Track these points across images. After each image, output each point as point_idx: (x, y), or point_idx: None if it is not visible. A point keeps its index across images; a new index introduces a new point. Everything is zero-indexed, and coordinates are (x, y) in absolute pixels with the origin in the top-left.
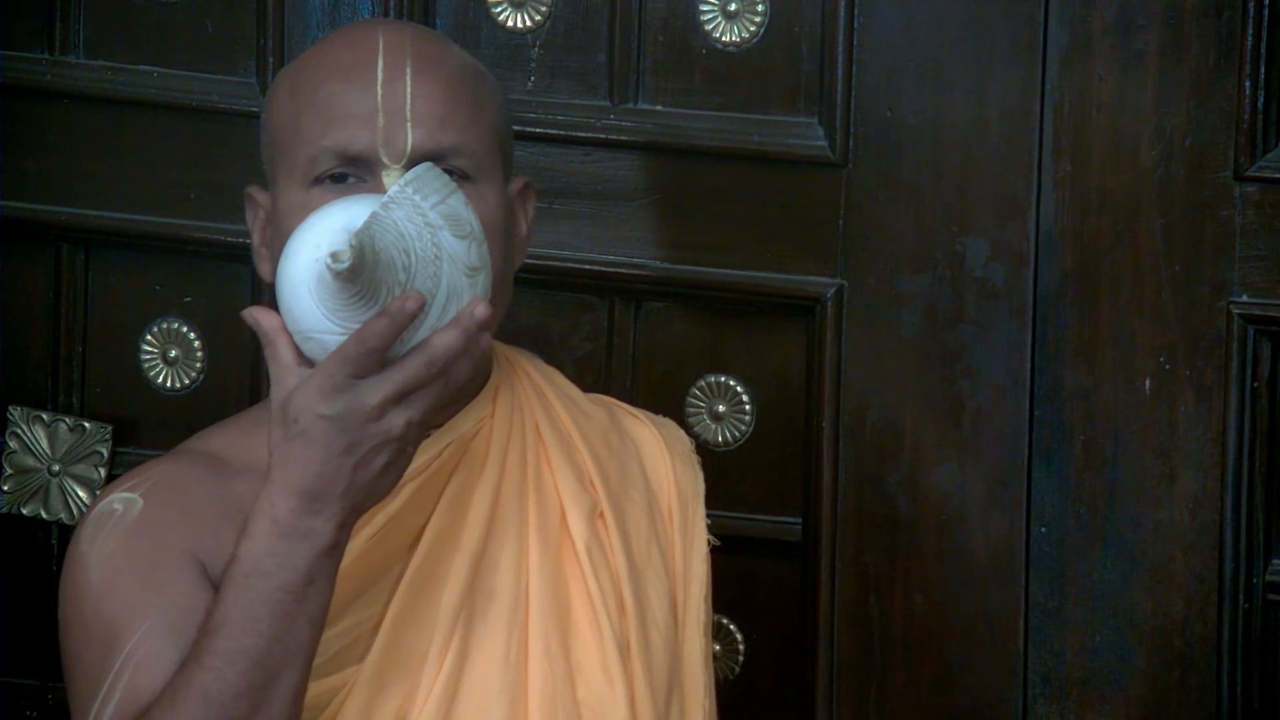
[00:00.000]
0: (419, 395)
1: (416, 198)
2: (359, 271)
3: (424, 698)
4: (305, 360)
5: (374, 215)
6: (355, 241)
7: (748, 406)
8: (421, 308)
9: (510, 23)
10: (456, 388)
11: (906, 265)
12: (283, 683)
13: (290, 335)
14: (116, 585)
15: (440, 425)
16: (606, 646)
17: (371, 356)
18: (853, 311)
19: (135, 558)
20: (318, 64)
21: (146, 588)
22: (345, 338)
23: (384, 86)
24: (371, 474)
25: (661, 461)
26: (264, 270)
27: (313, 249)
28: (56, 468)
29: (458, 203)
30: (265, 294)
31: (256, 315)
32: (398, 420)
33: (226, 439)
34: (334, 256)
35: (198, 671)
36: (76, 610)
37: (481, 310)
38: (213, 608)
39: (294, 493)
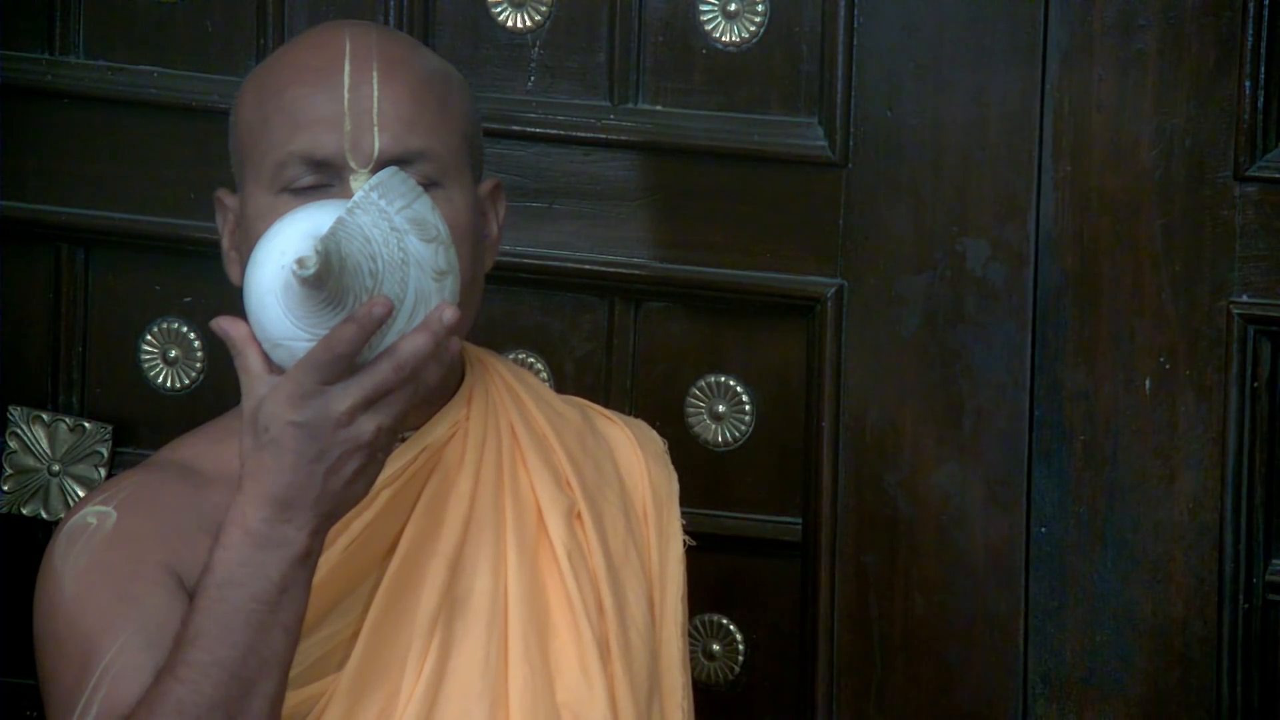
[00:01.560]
0: (389, 400)
1: (381, 203)
2: (325, 278)
3: (404, 703)
4: (275, 368)
5: (339, 221)
6: (321, 247)
7: (748, 406)
8: (389, 312)
9: (510, 23)
10: (426, 391)
11: (906, 265)
12: (259, 693)
13: (259, 344)
14: (91, 599)
15: (415, 429)
16: (586, 647)
17: (340, 362)
18: (853, 311)
19: (109, 571)
20: (284, 67)
21: (121, 601)
22: (313, 344)
23: (350, 90)
24: (343, 480)
25: (635, 462)
26: (233, 274)
27: (278, 256)
28: (56, 468)
29: (423, 207)
30: None
31: (224, 325)
32: (368, 426)
33: (198, 449)
34: (299, 263)
35: (173, 684)
36: (51, 625)
37: (450, 314)
38: (187, 619)
39: (265, 501)
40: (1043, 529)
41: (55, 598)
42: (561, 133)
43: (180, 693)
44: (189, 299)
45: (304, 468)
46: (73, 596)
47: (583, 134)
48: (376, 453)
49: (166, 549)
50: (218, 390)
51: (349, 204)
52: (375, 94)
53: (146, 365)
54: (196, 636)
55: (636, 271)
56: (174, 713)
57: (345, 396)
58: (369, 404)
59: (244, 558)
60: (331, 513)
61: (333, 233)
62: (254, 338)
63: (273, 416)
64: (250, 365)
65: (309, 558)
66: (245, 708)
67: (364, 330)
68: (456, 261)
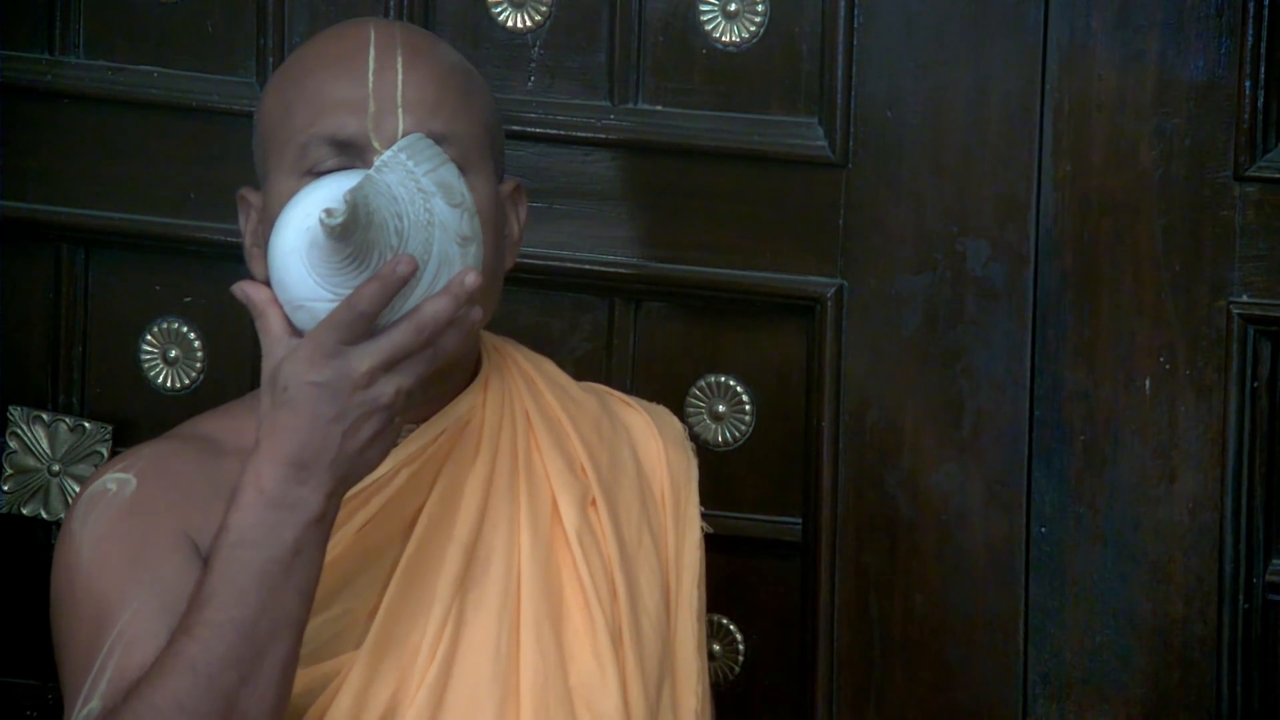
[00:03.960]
0: (408, 363)
1: (410, 163)
2: (351, 229)
3: (417, 684)
4: (296, 331)
5: (367, 177)
6: (349, 198)
7: (748, 406)
8: (414, 271)
9: (510, 23)
10: (445, 358)
11: (906, 265)
12: (272, 654)
13: (281, 307)
14: (107, 564)
15: (432, 416)
16: (598, 633)
17: (362, 321)
18: (853, 311)
19: (126, 537)
20: (307, 58)
21: (137, 566)
22: (336, 304)
23: (375, 75)
24: (359, 443)
25: (653, 446)
26: (257, 270)
27: (303, 218)
28: (56, 468)
29: (449, 173)
30: None
31: (247, 289)
32: (387, 388)
33: (219, 423)
34: (328, 212)
35: (186, 643)
36: (68, 589)
37: (472, 279)
38: (201, 579)
39: (281, 462)
40: (1043, 529)
41: (72, 562)
42: (561, 133)
43: (193, 651)
44: (189, 299)
45: (321, 428)
46: (89, 561)
47: (583, 134)
48: (394, 417)
49: (183, 516)
50: (218, 390)
51: (377, 163)
52: (399, 78)
53: (146, 365)
54: (210, 596)
55: (636, 271)
56: (187, 671)
57: (365, 358)
58: (389, 366)
59: (259, 518)
60: (347, 476)
61: (361, 187)
62: (275, 300)
63: (292, 376)
64: (271, 327)
65: (324, 520)
66: (258, 668)
67: (387, 289)
68: (480, 230)
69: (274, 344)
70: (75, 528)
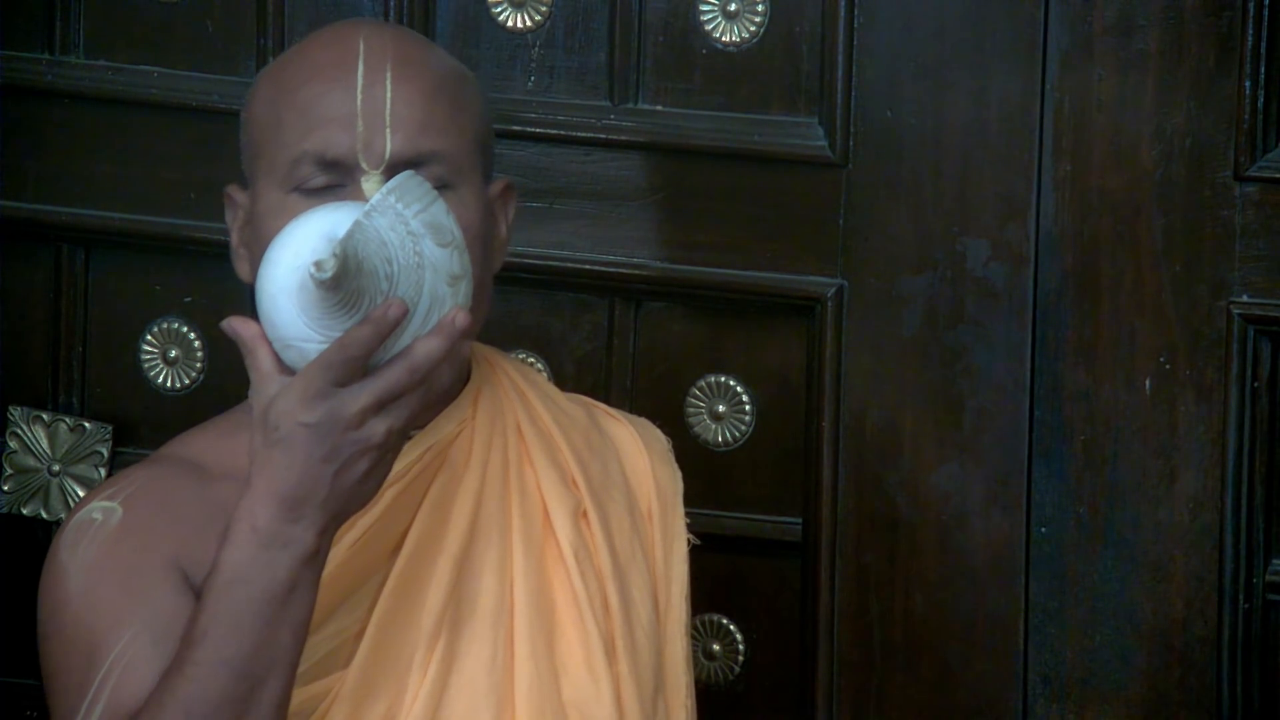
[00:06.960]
0: (400, 403)
1: (399, 206)
2: (342, 280)
3: (410, 702)
4: (286, 368)
5: (357, 224)
6: (339, 250)
7: (748, 406)
8: (405, 315)
9: (510, 23)
10: (436, 394)
11: (906, 265)
12: (266, 691)
13: (270, 343)
14: (97, 594)
15: (422, 427)
16: (592, 646)
17: (353, 364)
18: (853, 311)
19: (116, 566)
20: (299, 64)
21: (128, 596)
22: (326, 345)
23: (364, 90)
24: (352, 481)
25: (640, 461)
26: (242, 270)
27: (293, 257)
28: (56, 468)
29: (439, 211)
30: None
31: (236, 325)
32: (379, 428)
33: (205, 444)
34: (318, 266)
35: (180, 681)
36: (57, 621)
37: (462, 318)
38: (194, 617)
39: (274, 500)
40: (1043, 529)
41: (61, 593)
42: (561, 133)
43: (187, 690)
44: (189, 299)
45: (314, 467)
46: (79, 591)
47: (583, 134)
48: (386, 454)
49: (172, 544)
50: (218, 390)
51: (366, 207)
52: (388, 95)
53: (146, 365)
54: (204, 635)
55: (636, 271)
56: (181, 711)
57: (357, 398)
58: (380, 406)
59: (252, 556)
60: (340, 513)
61: (350, 236)
62: (265, 337)
63: (284, 415)
64: (261, 364)
65: (317, 557)
66: (252, 706)
67: (379, 332)
68: (470, 266)
69: (264, 381)
70: (63, 558)
